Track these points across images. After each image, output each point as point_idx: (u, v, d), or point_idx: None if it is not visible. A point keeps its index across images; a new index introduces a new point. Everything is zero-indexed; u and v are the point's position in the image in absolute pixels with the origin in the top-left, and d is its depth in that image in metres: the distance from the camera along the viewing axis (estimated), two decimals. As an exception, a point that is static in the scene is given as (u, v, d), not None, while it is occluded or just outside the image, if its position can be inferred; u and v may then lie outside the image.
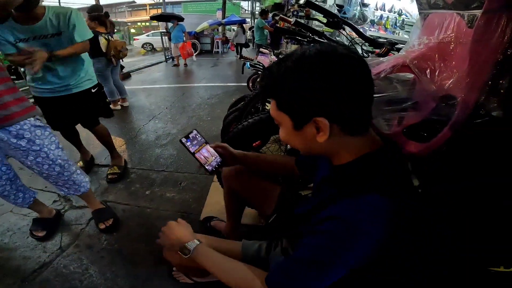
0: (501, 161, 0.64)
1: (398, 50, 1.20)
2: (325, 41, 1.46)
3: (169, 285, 1.15)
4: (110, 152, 2.04)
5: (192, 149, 0.80)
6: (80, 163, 2.08)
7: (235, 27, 10.59)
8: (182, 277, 1.14)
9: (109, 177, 1.92)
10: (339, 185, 0.56)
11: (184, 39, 7.27)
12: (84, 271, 1.22)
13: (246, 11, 20.69)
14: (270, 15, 7.10)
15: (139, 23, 21.16)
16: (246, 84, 3.78)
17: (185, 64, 7.40)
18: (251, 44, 10.97)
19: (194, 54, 8.36)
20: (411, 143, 0.75)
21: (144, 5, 27.73)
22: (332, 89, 0.47)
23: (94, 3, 3.28)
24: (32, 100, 1.60)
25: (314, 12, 1.69)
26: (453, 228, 0.68)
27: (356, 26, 1.39)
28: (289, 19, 1.59)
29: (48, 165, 1.22)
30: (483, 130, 0.63)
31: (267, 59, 2.66)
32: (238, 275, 0.64)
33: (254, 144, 1.53)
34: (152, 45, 13.58)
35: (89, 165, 2.10)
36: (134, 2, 28.96)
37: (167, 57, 8.37)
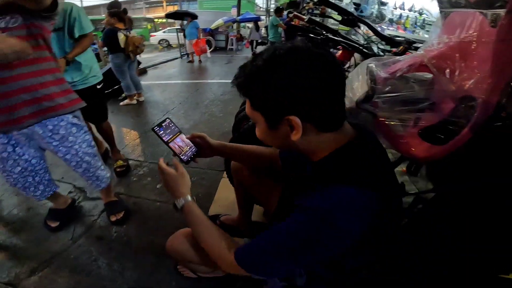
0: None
1: (416, 49, 1.16)
2: (339, 39, 1.44)
3: (173, 279, 1.16)
4: (111, 147, 2.07)
5: (165, 138, 0.77)
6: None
7: (249, 25, 10.57)
8: (186, 272, 1.15)
9: (118, 170, 1.97)
10: (317, 180, 0.56)
11: (198, 35, 7.33)
12: (92, 262, 1.25)
13: (261, 9, 20.62)
14: (285, 12, 7.03)
15: (156, 20, 21.55)
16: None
17: (200, 61, 7.47)
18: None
19: (209, 51, 8.42)
20: (426, 145, 0.73)
21: (161, 1, 28.17)
22: (302, 88, 0.47)
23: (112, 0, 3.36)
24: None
25: (329, 10, 1.66)
26: (458, 229, 0.66)
27: (372, 24, 1.36)
28: (303, 16, 1.58)
29: (76, 162, 1.26)
30: (504, 133, 0.60)
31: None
32: (215, 241, 0.65)
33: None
34: (168, 41, 13.79)
35: (104, 158, 2.16)
36: (151, -2, 29.49)
37: (182, 53, 8.49)
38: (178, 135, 0.81)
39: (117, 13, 3.20)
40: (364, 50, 1.35)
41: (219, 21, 10.68)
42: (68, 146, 1.20)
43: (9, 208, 1.62)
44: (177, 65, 7.33)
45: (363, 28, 1.49)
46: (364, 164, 0.53)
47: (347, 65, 1.68)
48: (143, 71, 6.06)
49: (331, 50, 3.25)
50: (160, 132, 0.77)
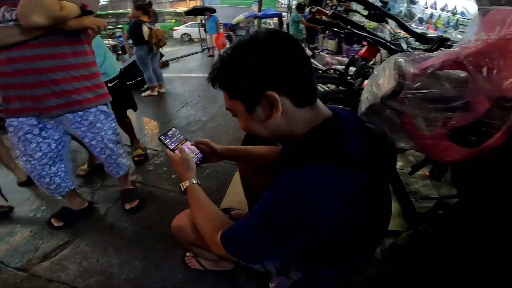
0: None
1: (449, 47, 1.09)
2: (365, 34, 1.38)
3: (179, 270, 1.16)
4: (131, 137, 2.12)
5: (171, 146, 0.82)
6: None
7: (270, 21, 10.45)
8: (193, 263, 1.16)
9: (136, 159, 2.02)
10: (300, 159, 0.54)
11: (218, 30, 7.33)
12: (102, 251, 1.28)
13: (283, 5, 20.35)
14: (307, 9, 6.90)
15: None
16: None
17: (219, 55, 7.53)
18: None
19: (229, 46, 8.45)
20: (455, 147, 0.69)
21: (184, -4, 28.54)
22: (274, 62, 0.51)
23: (138, -7, 3.45)
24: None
25: (354, 6, 1.61)
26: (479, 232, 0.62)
27: (401, 20, 1.30)
28: (326, 11, 1.54)
29: (101, 148, 1.31)
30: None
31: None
32: (208, 222, 0.67)
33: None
34: (190, 35, 13.99)
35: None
36: (175, -7, 29.91)
37: (203, 47, 8.59)
38: (184, 142, 0.86)
39: (142, 6, 3.30)
40: (392, 46, 1.29)
41: (240, 17, 10.68)
42: (95, 132, 1.25)
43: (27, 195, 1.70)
44: (198, 59, 7.44)
45: (391, 25, 1.43)
46: (341, 142, 0.52)
47: (372, 62, 1.61)
48: (165, 64, 6.21)
49: (356, 46, 3.15)
50: (166, 141, 0.82)
